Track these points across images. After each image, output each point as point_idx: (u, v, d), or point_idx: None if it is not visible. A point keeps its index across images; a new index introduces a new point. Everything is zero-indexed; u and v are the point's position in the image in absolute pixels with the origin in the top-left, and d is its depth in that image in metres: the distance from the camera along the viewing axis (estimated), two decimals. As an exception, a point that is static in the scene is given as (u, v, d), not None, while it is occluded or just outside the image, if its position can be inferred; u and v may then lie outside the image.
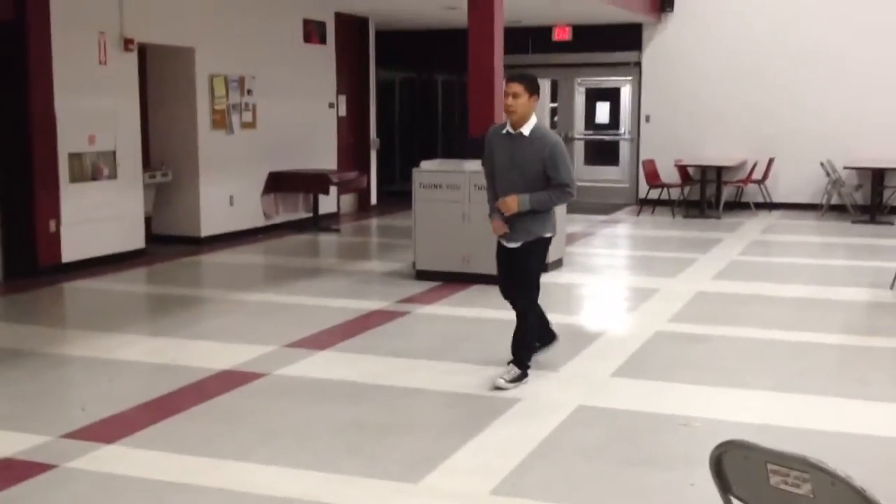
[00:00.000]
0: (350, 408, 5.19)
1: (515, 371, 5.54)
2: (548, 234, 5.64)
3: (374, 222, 13.78)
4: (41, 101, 8.93)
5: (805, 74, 14.18)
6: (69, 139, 9.22)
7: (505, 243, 5.62)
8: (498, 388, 5.40)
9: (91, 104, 9.47)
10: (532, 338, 5.72)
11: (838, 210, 13.78)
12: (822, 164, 13.63)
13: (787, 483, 2.29)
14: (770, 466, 2.31)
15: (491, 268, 8.41)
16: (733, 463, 2.43)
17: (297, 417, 5.03)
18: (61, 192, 9.18)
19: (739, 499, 2.47)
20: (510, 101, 5.36)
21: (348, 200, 14.45)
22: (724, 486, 2.48)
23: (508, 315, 7.44)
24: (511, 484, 4.14)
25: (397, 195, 15.43)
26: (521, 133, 5.44)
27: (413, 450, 4.55)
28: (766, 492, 2.34)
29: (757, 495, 2.40)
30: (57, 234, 9.18)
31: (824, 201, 13.85)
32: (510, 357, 5.64)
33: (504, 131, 5.50)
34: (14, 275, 8.89)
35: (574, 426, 4.90)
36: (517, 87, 5.35)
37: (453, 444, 4.59)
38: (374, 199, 14.95)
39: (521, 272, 5.63)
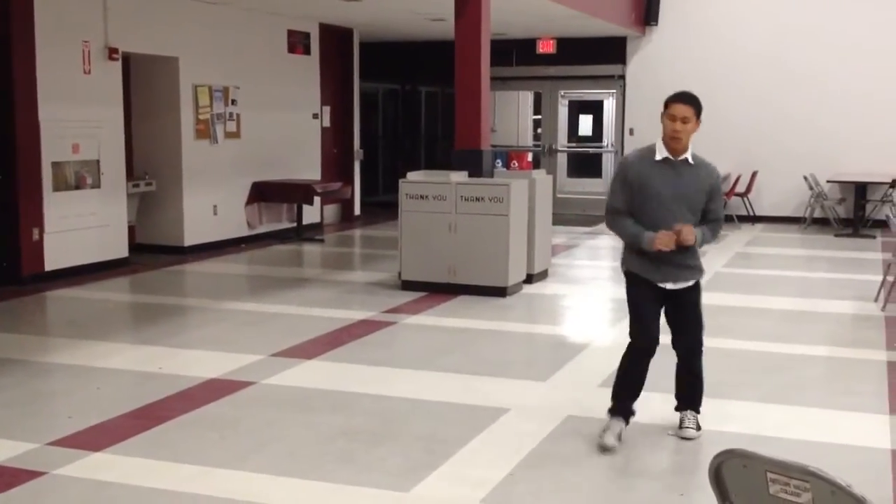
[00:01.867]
0: (339, 417, 5.17)
1: (695, 416, 4.94)
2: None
3: (357, 233, 13.76)
4: (25, 110, 8.88)
5: (789, 89, 14.30)
6: (53, 148, 9.17)
7: (669, 285, 4.82)
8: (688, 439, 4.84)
9: (75, 113, 9.42)
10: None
11: (821, 223, 13.89)
12: (805, 178, 13.74)
13: (786, 492, 2.30)
14: (770, 475, 2.32)
15: (477, 278, 8.52)
16: (733, 471, 2.43)
17: (286, 426, 5.01)
18: (45, 200, 9.13)
19: (738, 507, 2.48)
20: (679, 126, 4.58)
21: (332, 211, 14.43)
22: (724, 494, 2.48)
23: (494, 325, 7.48)
24: (501, 493, 4.13)
25: (381, 206, 15.45)
26: (685, 160, 4.71)
27: (403, 459, 4.54)
28: (766, 500, 2.35)
29: None
30: (40, 243, 9.11)
31: (807, 214, 13.96)
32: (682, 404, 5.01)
33: (660, 157, 4.68)
34: (-4, 283, 8.83)
35: (563, 436, 4.90)
36: (687, 111, 4.61)
37: (443, 454, 4.58)
38: (357, 210, 14.93)
39: (697, 313, 4.96)
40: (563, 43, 15.51)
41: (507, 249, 8.48)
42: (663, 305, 4.88)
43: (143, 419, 5.09)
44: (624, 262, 4.97)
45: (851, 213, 13.60)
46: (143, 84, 11.05)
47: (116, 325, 7.77)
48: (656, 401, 5.55)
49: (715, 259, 11.01)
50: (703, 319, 4.97)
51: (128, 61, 10.65)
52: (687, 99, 4.67)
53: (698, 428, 4.90)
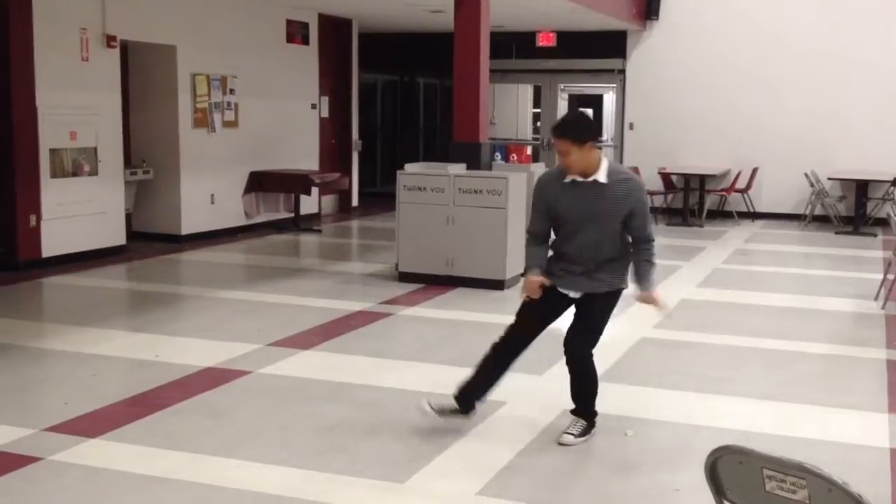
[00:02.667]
0: (334, 407, 5.16)
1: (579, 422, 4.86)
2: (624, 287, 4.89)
3: (355, 224, 13.74)
4: (23, 97, 8.86)
5: (790, 84, 14.27)
6: (50, 135, 9.15)
7: (571, 294, 4.77)
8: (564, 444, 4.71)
9: (73, 100, 9.39)
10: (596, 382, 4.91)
11: (822, 221, 13.88)
12: (806, 175, 13.73)
13: (782, 489, 2.29)
14: (766, 472, 2.31)
15: (474, 271, 8.51)
16: (728, 468, 2.42)
17: (282, 416, 5.00)
18: (42, 187, 9.11)
19: None
20: (564, 160, 4.53)
21: (329, 201, 14.40)
22: (719, 490, 2.48)
23: (491, 318, 7.46)
24: (497, 486, 4.13)
25: (378, 197, 15.42)
26: (595, 181, 4.55)
27: (398, 450, 4.53)
28: (761, 497, 2.34)
29: (752, 501, 2.39)
30: (37, 229, 9.10)
31: (808, 212, 13.94)
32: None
33: (569, 179, 4.58)
34: (-7, 269, 8.81)
35: (560, 430, 4.88)
36: (564, 145, 4.48)
37: (439, 446, 4.57)
38: (355, 201, 14.92)
39: (592, 323, 4.83)
40: (563, 36, 15.47)
41: (505, 242, 8.47)
42: (565, 310, 4.84)
43: (138, 406, 5.08)
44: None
45: (852, 210, 13.57)
46: (141, 72, 11.01)
47: (113, 312, 7.76)
48: (652, 397, 5.56)
49: (714, 255, 11.01)
50: (601, 330, 4.85)
51: (126, 49, 10.62)
52: (560, 132, 4.53)
53: (580, 435, 4.73)
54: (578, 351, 4.79)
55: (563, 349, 4.83)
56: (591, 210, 4.56)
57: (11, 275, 8.73)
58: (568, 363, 4.83)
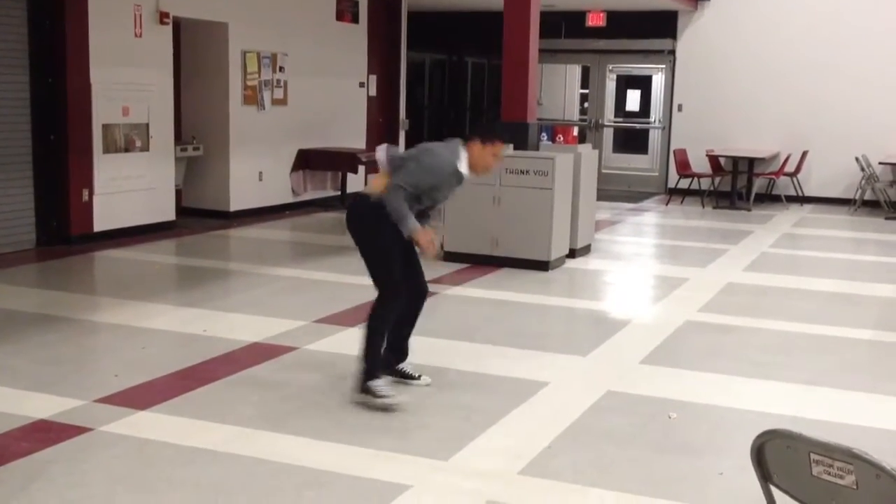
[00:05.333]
0: (379, 385, 5.20)
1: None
2: None
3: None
4: (77, 72, 8.99)
5: (843, 68, 14.01)
6: (103, 110, 9.29)
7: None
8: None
9: (126, 76, 9.52)
10: None
11: (871, 206, 13.65)
12: (856, 159, 13.49)
13: (829, 473, 2.28)
14: (813, 456, 2.30)
15: (519, 251, 8.51)
16: (775, 452, 2.42)
17: (327, 392, 5.06)
18: (94, 162, 9.26)
19: (780, 488, 2.47)
20: (499, 164, 5.19)
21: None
22: (765, 474, 2.48)
23: (535, 299, 7.47)
24: (539, 465, 4.15)
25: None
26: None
27: (442, 428, 4.57)
28: (808, 481, 2.34)
29: (798, 484, 2.39)
30: (90, 204, 9.25)
31: (857, 196, 13.71)
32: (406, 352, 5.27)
33: (462, 172, 4.97)
34: (47, 242, 8.98)
35: (603, 411, 4.89)
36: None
37: (482, 425, 4.60)
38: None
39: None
40: (612, 16, 15.32)
41: (551, 223, 8.45)
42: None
43: (186, 380, 5.17)
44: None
45: (903, 196, 13.35)
46: (193, 49, 11.12)
47: (162, 286, 7.88)
48: (697, 380, 5.53)
49: (761, 239, 10.90)
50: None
51: (178, 26, 10.72)
52: (501, 136, 5.10)
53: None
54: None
55: (418, 302, 5.18)
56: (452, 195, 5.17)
57: (64, 248, 8.90)
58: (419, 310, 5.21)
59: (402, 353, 5.24)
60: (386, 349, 5.08)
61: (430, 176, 4.90)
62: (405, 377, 5.21)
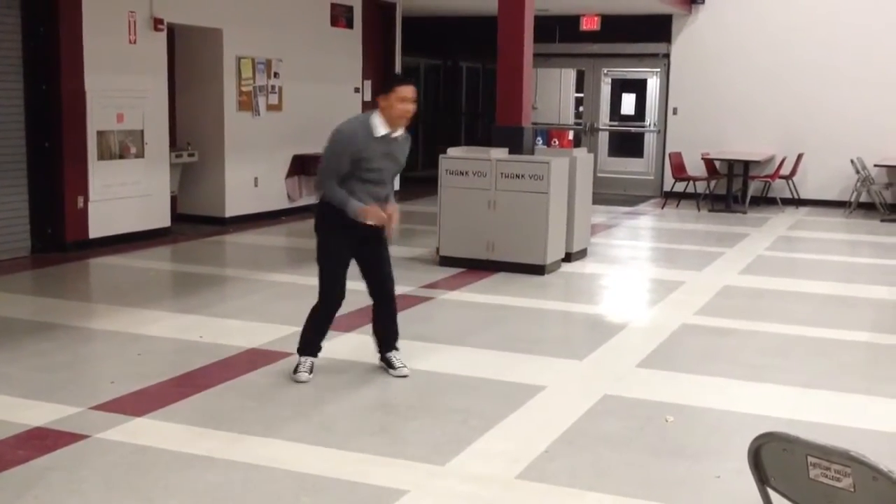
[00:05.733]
0: (375, 390, 5.21)
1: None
2: None
3: (397, 207, 13.75)
4: (71, 79, 8.98)
5: (838, 70, 14.06)
6: (98, 117, 9.29)
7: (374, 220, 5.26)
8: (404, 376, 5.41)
9: (120, 83, 9.51)
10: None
11: (867, 208, 13.68)
12: (852, 161, 13.52)
13: (827, 476, 2.28)
14: (810, 459, 2.30)
15: (515, 255, 8.50)
16: (772, 454, 2.42)
17: (324, 397, 5.06)
18: (89, 169, 9.25)
19: (777, 490, 2.46)
20: (410, 106, 5.14)
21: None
22: (762, 477, 2.47)
23: (531, 303, 7.47)
24: (537, 470, 4.14)
25: (420, 181, 15.44)
26: (397, 136, 5.22)
27: (439, 433, 4.56)
28: (805, 484, 2.33)
29: (795, 487, 2.39)
30: (84, 211, 9.24)
31: (853, 199, 13.74)
32: (390, 345, 5.56)
33: (381, 134, 5.12)
34: (42, 249, 8.97)
35: (599, 415, 4.89)
36: (415, 93, 5.18)
37: (479, 429, 4.60)
38: (396, 185, 14.93)
39: (386, 245, 5.55)
40: (607, 20, 15.35)
41: (546, 227, 8.45)
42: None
43: (183, 386, 5.16)
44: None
45: (898, 198, 13.38)
46: (187, 55, 11.12)
47: (158, 293, 7.87)
48: (693, 384, 5.53)
49: (757, 242, 10.91)
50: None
51: (172, 32, 10.72)
52: (412, 81, 5.23)
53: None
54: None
55: (385, 307, 5.51)
56: (393, 163, 5.26)
57: (59, 255, 8.89)
58: (390, 304, 5.51)
59: (387, 346, 5.55)
60: (375, 340, 5.55)
61: (341, 150, 5.11)
62: (389, 365, 5.51)
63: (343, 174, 5.13)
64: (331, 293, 5.39)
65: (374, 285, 5.49)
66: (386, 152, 5.19)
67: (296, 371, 5.34)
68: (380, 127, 5.13)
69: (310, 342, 5.42)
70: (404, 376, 5.42)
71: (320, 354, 5.46)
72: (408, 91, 5.11)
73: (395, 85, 5.14)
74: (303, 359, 5.38)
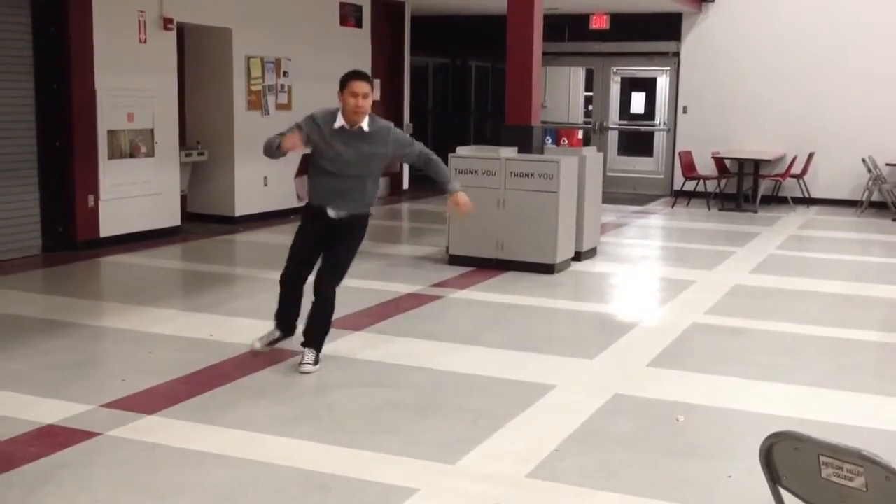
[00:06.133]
0: (385, 389, 5.20)
1: (315, 354, 5.50)
2: (371, 211, 5.72)
3: (405, 206, 13.79)
4: (82, 78, 9.01)
5: (849, 68, 14.00)
6: (108, 116, 9.31)
7: (333, 213, 5.41)
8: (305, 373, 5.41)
9: (130, 82, 9.54)
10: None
11: (878, 207, 13.62)
12: (863, 160, 13.46)
13: (839, 476, 2.27)
14: (822, 458, 2.29)
15: (524, 254, 8.50)
16: (784, 454, 2.41)
17: (334, 395, 5.06)
18: (100, 168, 9.28)
19: (788, 490, 2.46)
20: (361, 101, 5.27)
21: (380, 184, 14.43)
22: (774, 476, 2.47)
23: (541, 302, 7.47)
24: (547, 469, 4.14)
25: (429, 180, 15.40)
26: (361, 129, 5.36)
27: (449, 432, 4.56)
28: (817, 483, 2.33)
29: (807, 487, 2.38)
30: (95, 210, 9.27)
31: (864, 198, 13.68)
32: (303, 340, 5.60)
33: (338, 126, 5.34)
34: (53, 248, 9.00)
35: (610, 414, 4.88)
36: (368, 87, 5.33)
37: (489, 428, 4.59)
38: (406, 184, 14.96)
39: (348, 248, 5.54)
40: (616, 19, 15.32)
41: (556, 226, 8.44)
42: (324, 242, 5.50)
43: (193, 384, 5.17)
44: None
45: (909, 197, 13.32)
46: (197, 54, 11.14)
47: (168, 291, 7.89)
48: (704, 383, 5.52)
49: (768, 241, 10.88)
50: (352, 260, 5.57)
51: (182, 31, 10.74)
52: (365, 76, 5.38)
53: (315, 363, 5.44)
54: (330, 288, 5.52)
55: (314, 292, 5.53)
56: (357, 155, 5.33)
57: (70, 254, 8.91)
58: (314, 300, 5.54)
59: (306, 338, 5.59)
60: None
61: (304, 123, 5.42)
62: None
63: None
64: (287, 268, 5.60)
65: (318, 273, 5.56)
66: (347, 144, 5.32)
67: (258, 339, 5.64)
68: (340, 120, 5.33)
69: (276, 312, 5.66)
70: (304, 372, 5.40)
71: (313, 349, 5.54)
72: (358, 86, 5.23)
73: (347, 80, 5.30)
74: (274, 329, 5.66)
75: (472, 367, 5.67)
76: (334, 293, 5.52)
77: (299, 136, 5.32)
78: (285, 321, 5.65)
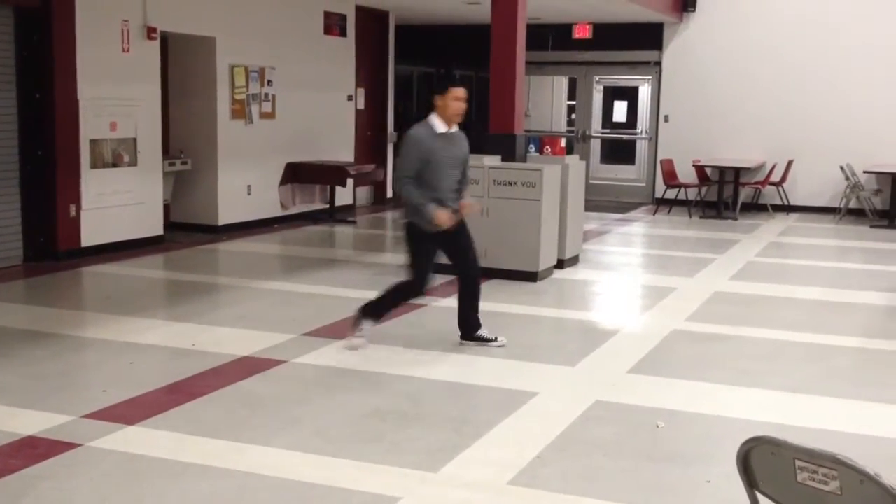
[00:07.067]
0: (368, 397, 5.22)
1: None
2: None
3: (389, 215, 13.80)
4: (65, 88, 8.99)
5: (827, 77, 14.14)
6: (91, 126, 9.29)
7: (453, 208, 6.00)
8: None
9: (113, 91, 9.52)
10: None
11: (856, 214, 13.74)
12: (841, 168, 13.59)
13: (814, 479, 2.30)
14: (798, 463, 2.32)
15: (508, 262, 8.52)
16: (761, 458, 2.44)
17: (317, 405, 5.07)
18: (82, 177, 9.25)
19: (765, 494, 2.48)
20: (463, 104, 5.92)
21: (364, 193, 14.48)
22: (751, 481, 2.49)
23: (524, 310, 7.49)
24: (529, 476, 4.16)
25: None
26: (455, 132, 6.03)
27: (431, 440, 4.57)
28: (793, 488, 2.35)
29: (783, 491, 2.41)
30: (77, 219, 9.24)
31: (843, 205, 13.81)
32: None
33: (441, 132, 5.91)
34: (34, 258, 8.97)
35: (591, 421, 4.91)
36: (466, 94, 5.99)
37: (471, 435, 4.61)
38: (390, 192, 14.97)
39: (469, 233, 6.30)
40: (599, 28, 15.41)
41: (539, 234, 8.48)
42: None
43: (175, 394, 5.17)
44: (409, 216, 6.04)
45: (888, 204, 13.44)
46: (181, 63, 11.14)
47: (150, 301, 7.87)
48: (684, 389, 5.56)
49: (748, 248, 10.95)
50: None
51: (166, 41, 10.74)
52: (464, 84, 6.05)
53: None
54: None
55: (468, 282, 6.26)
56: (457, 154, 5.99)
57: (52, 264, 8.88)
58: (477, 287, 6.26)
59: (472, 327, 6.28)
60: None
61: (414, 152, 5.78)
62: (483, 341, 6.25)
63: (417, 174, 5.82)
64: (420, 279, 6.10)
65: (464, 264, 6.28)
66: (451, 144, 5.93)
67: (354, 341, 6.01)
68: (440, 126, 5.90)
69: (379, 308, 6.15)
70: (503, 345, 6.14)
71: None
72: (461, 91, 5.88)
73: (451, 85, 5.87)
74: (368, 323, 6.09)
75: (455, 375, 5.69)
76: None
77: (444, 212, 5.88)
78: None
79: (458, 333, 6.45)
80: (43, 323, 6.75)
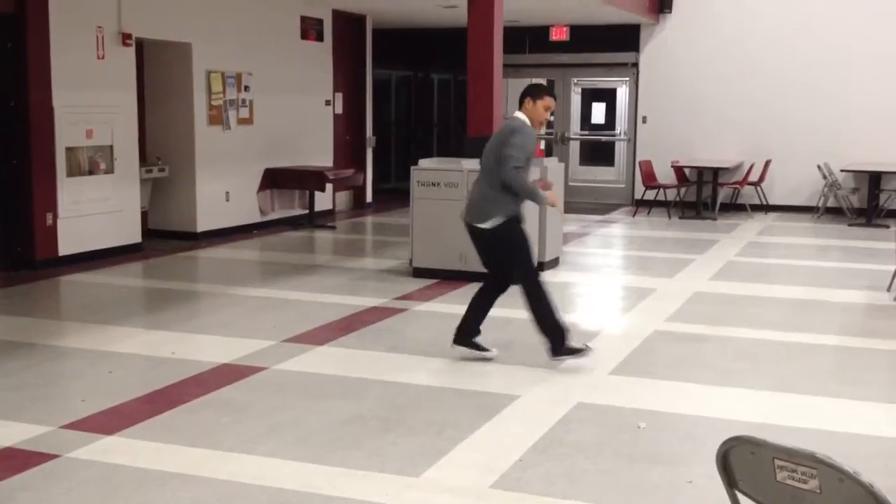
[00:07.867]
0: (349, 403, 5.20)
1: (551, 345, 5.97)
2: None
3: (369, 220, 13.78)
4: (39, 95, 8.92)
5: (803, 77, 14.23)
6: (67, 133, 9.22)
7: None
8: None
9: (89, 98, 9.46)
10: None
11: (834, 213, 13.84)
12: (819, 167, 13.68)
13: (794, 478, 2.30)
14: (777, 462, 2.32)
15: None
16: (740, 458, 2.44)
17: (298, 411, 5.04)
18: (58, 185, 9.18)
19: (745, 493, 2.49)
20: (550, 116, 6.12)
21: (344, 198, 14.45)
22: (731, 480, 2.50)
23: (505, 313, 7.48)
24: (511, 479, 4.16)
25: (392, 193, 15.46)
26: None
27: (413, 444, 4.56)
28: (773, 487, 2.36)
29: (763, 490, 2.41)
30: (54, 228, 9.17)
31: (821, 204, 13.91)
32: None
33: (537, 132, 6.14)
34: (11, 267, 8.90)
35: (573, 423, 4.91)
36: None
37: (453, 440, 4.61)
38: (369, 197, 14.95)
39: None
40: (576, 30, 15.45)
41: (519, 237, 8.46)
42: None
43: (155, 403, 5.13)
44: (501, 212, 5.91)
45: (865, 202, 13.54)
46: (157, 70, 11.08)
47: (129, 309, 7.82)
48: (666, 390, 5.57)
49: (727, 248, 11.01)
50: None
51: (141, 47, 10.68)
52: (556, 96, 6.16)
53: (556, 354, 5.97)
54: None
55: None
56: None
57: (29, 273, 8.81)
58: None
59: (473, 332, 6.13)
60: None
61: (529, 143, 5.80)
62: (478, 349, 6.09)
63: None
64: (533, 272, 6.11)
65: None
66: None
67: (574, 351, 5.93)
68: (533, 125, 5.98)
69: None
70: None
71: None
72: (552, 102, 5.96)
73: (545, 93, 5.93)
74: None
75: (436, 379, 5.68)
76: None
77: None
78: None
79: (441, 338, 6.44)
80: (20, 333, 6.69)
